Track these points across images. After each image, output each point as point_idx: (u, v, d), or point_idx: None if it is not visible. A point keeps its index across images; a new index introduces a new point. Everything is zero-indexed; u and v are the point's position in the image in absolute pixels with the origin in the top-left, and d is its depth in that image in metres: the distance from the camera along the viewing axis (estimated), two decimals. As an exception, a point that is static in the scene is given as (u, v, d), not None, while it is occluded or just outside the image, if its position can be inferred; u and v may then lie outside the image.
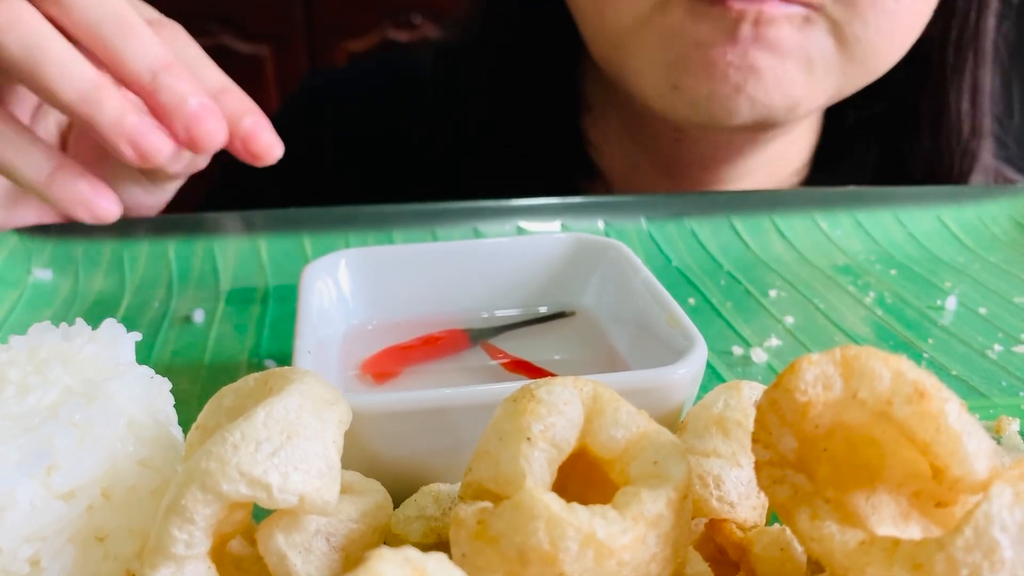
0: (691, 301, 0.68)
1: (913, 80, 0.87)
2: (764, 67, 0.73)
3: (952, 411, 0.29)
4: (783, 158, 0.93)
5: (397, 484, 0.38)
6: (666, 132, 0.89)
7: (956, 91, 0.89)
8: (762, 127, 0.80)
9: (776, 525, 0.36)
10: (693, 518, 0.36)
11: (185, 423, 0.41)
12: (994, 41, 0.89)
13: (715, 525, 0.36)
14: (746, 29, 0.71)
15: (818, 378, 0.29)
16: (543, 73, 0.92)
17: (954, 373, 0.58)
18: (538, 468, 0.31)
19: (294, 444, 0.31)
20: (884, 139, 0.93)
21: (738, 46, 0.72)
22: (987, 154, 0.93)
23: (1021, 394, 0.55)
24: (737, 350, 0.60)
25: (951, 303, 0.67)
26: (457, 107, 0.96)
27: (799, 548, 0.34)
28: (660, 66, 0.76)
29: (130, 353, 0.40)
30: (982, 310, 0.66)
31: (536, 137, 0.93)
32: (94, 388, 0.35)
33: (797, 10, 0.72)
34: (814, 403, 0.29)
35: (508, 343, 0.54)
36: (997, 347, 0.61)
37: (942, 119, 0.91)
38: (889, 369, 0.29)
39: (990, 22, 0.88)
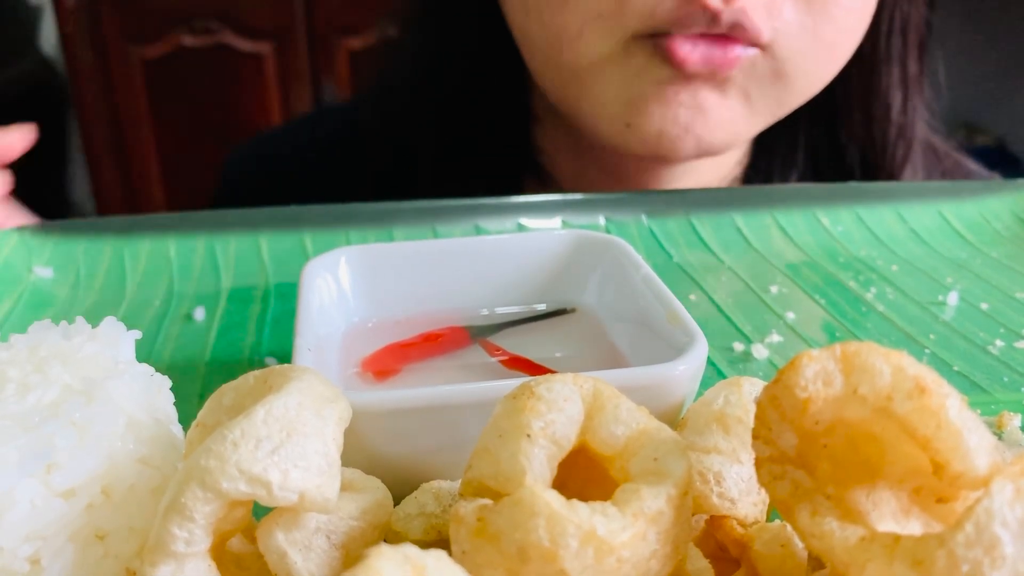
0: (692, 297, 0.68)
1: (845, 70, 0.87)
2: (710, 107, 0.77)
3: (953, 407, 0.29)
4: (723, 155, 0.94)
5: (397, 482, 0.38)
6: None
7: (888, 79, 0.91)
8: (701, 158, 0.83)
9: (777, 521, 0.36)
10: (693, 515, 0.36)
11: (185, 421, 0.41)
12: (919, 27, 0.91)
13: (716, 522, 0.36)
14: (698, 78, 0.76)
15: (818, 374, 0.29)
16: (491, 91, 0.94)
17: (956, 369, 0.57)
18: (538, 465, 0.31)
19: (294, 442, 0.31)
20: (818, 128, 0.94)
21: (691, 86, 0.76)
22: (920, 136, 0.95)
23: (1023, 390, 0.55)
24: (738, 346, 0.60)
25: (952, 299, 0.67)
26: (397, 138, 0.98)
27: (800, 545, 0.34)
28: (616, 105, 0.79)
29: (130, 352, 0.40)
30: (984, 306, 0.66)
31: (488, 149, 0.95)
32: (94, 387, 0.35)
33: (748, 53, 0.75)
34: (814, 399, 0.29)
35: (509, 340, 0.54)
36: (999, 343, 0.61)
37: (875, 108, 0.92)
38: (889, 365, 0.29)
39: (920, 10, 0.90)
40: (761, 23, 0.73)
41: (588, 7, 0.74)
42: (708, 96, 0.76)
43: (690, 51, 0.73)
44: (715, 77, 0.75)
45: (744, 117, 0.79)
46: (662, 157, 0.81)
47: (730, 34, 0.73)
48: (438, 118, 0.95)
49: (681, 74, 0.75)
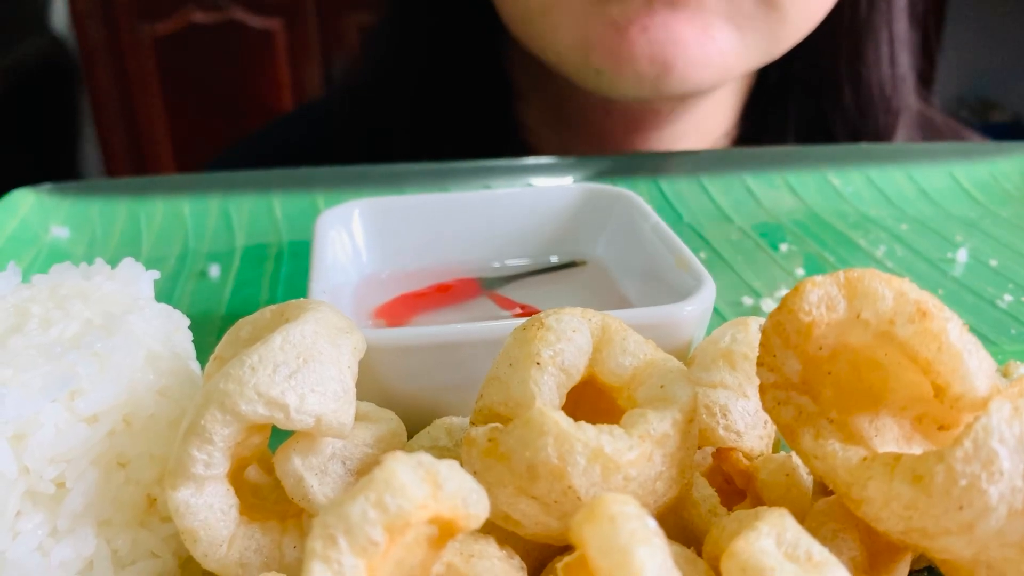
0: (702, 255, 0.68)
1: (830, 39, 0.86)
2: (690, 40, 0.70)
3: (953, 330, 0.29)
4: (710, 121, 0.92)
5: (411, 418, 0.39)
6: (594, 108, 0.89)
7: (874, 46, 0.88)
8: (692, 96, 0.79)
9: (782, 453, 0.36)
10: (700, 447, 0.37)
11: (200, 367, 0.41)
12: None
13: (722, 454, 0.37)
14: (660, 3, 0.69)
15: (822, 299, 0.30)
16: (473, 67, 0.92)
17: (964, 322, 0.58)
18: (547, 391, 0.32)
19: (310, 368, 0.31)
20: (807, 98, 0.92)
21: (656, 18, 0.69)
22: (911, 105, 0.93)
23: (1030, 340, 0.56)
24: (747, 300, 0.61)
25: (962, 255, 0.67)
26: (376, 122, 0.96)
27: (805, 474, 0.35)
28: (578, 51, 0.73)
29: (149, 290, 0.41)
30: (993, 262, 0.66)
31: (470, 126, 0.93)
32: (114, 321, 0.36)
33: None
34: (818, 323, 0.30)
35: (519, 292, 0.55)
36: (1007, 297, 0.61)
37: (862, 75, 0.89)
38: (891, 290, 0.30)
39: None
40: None
41: None
42: (684, 28, 0.69)
43: None
44: (678, 2, 0.69)
45: (735, 51, 0.73)
46: (644, 99, 0.75)
47: None
48: (418, 97, 0.94)
49: (634, 6, 0.69)
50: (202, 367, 0.42)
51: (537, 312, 0.53)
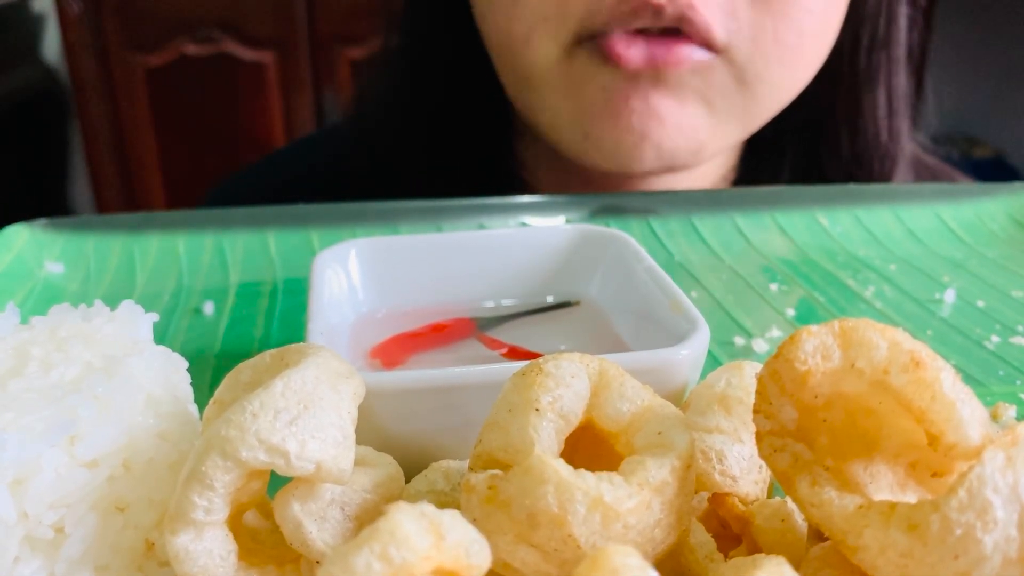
0: (693, 294, 0.69)
1: (828, 88, 0.87)
2: (666, 113, 0.75)
3: (947, 379, 0.30)
4: (705, 170, 0.93)
5: (407, 461, 0.39)
6: None
7: (871, 97, 0.90)
8: (670, 171, 0.82)
9: (777, 498, 0.37)
10: (696, 492, 0.37)
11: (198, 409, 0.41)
12: (907, 43, 0.90)
13: (718, 499, 0.37)
14: (645, 78, 0.74)
15: (817, 348, 0.30)
16: (471, 105, 0.94)
17: (952, 363, 0.58)
18: (546, 437, 0.32)
19: (311, 414, 0.32)
20: (802, 148, 0.94)
21: (639, 90, 0.74)
22: (907, 151, 0.94)
23: (1017, 382, 0.56)
24: (739, 340, 0.61)
25: (949, 296, 0.68)
26: (379, 159, 0.97)
27: (800, 520, 0.35)
28: (570, 114, 0.78)
29: (148, 332, 0.41)
30: (980, 303, 0.67)
31: (470, 163, 0.95)
32: (114, 364, 0.36)
33: (700, 56, 0.73)
34: (813, 372, 0.30)
35: (513, 332, 0.55)
36: (994, 338, 0.62)
37: (859, 126, 0.91)
38: (886, 339, 0.30)
39: (901, 26, 0.89)
40: (712, 19, 0.71)
41: (534, 11, 0.74)
42: (661, 101, 0.75)
43: (626, 48, 0.72)
44: (661, 78, 0.73)
45: (708, 126, 0.77)
46: (624, 169, 0.79)
47: (681, 29, 0.71)
48: (419, 135, 0.95)
49: (624, 75, 0.73)
50: (198, 405, 0.42)
51: (524, 352, 0.54)
